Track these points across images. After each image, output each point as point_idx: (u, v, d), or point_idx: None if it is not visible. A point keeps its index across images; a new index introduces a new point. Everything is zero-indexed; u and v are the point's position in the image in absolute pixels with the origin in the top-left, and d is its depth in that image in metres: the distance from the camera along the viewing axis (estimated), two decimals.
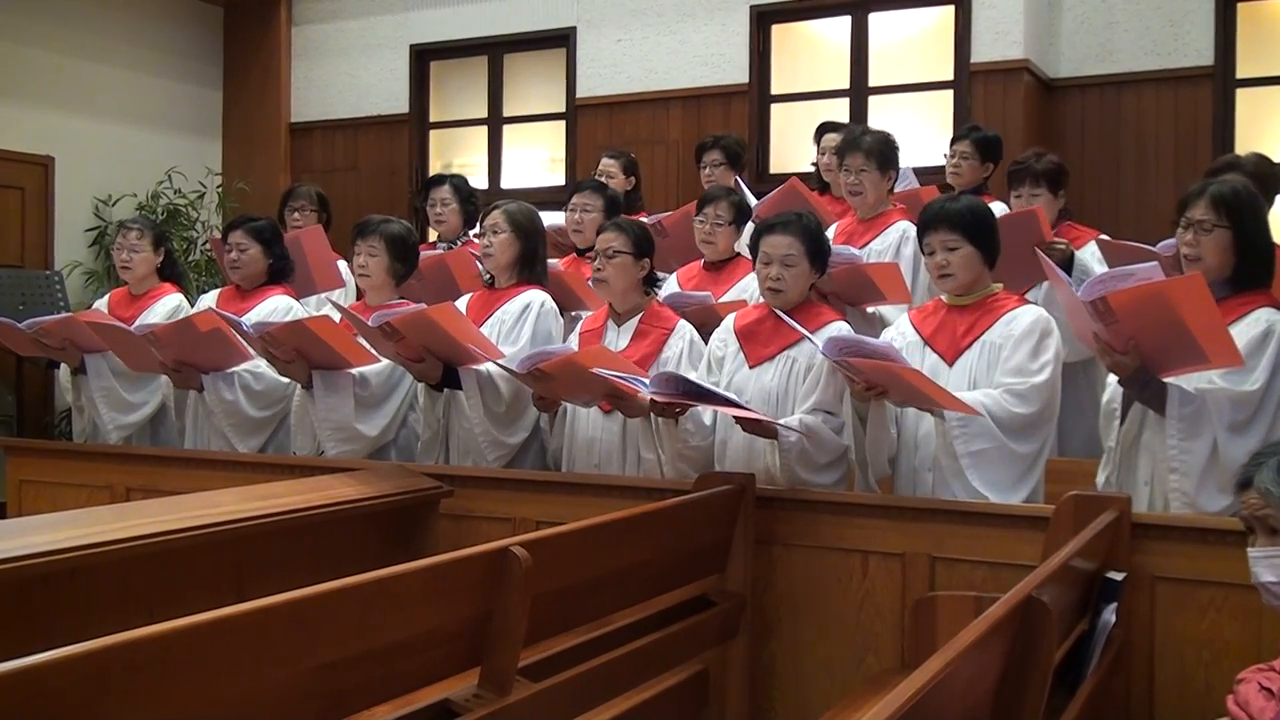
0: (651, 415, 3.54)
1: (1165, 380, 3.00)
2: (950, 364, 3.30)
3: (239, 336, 4.11)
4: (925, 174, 5.63)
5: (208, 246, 8.02)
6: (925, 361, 3.32)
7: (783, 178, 5.51)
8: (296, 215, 5.35)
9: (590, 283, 4.04)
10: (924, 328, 3.42)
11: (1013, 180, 4.61)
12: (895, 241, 4.50)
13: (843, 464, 3.43)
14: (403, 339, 3.70)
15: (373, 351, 3.94)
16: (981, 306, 3.34)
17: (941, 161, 5.18)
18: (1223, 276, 3.06)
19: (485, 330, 3.95)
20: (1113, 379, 3.19)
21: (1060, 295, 3.15)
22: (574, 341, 3.90)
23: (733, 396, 3.26)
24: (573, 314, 4.52)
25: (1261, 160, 4.10)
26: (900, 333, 3.48)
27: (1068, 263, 4.31)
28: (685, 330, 3.80)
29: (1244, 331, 2.97)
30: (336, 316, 4.03)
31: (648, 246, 3.84)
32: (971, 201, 3.42)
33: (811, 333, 3.41)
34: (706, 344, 3.75)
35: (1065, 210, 4.58)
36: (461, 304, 4.10)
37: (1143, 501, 3.07)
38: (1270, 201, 4.01)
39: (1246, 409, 2.95)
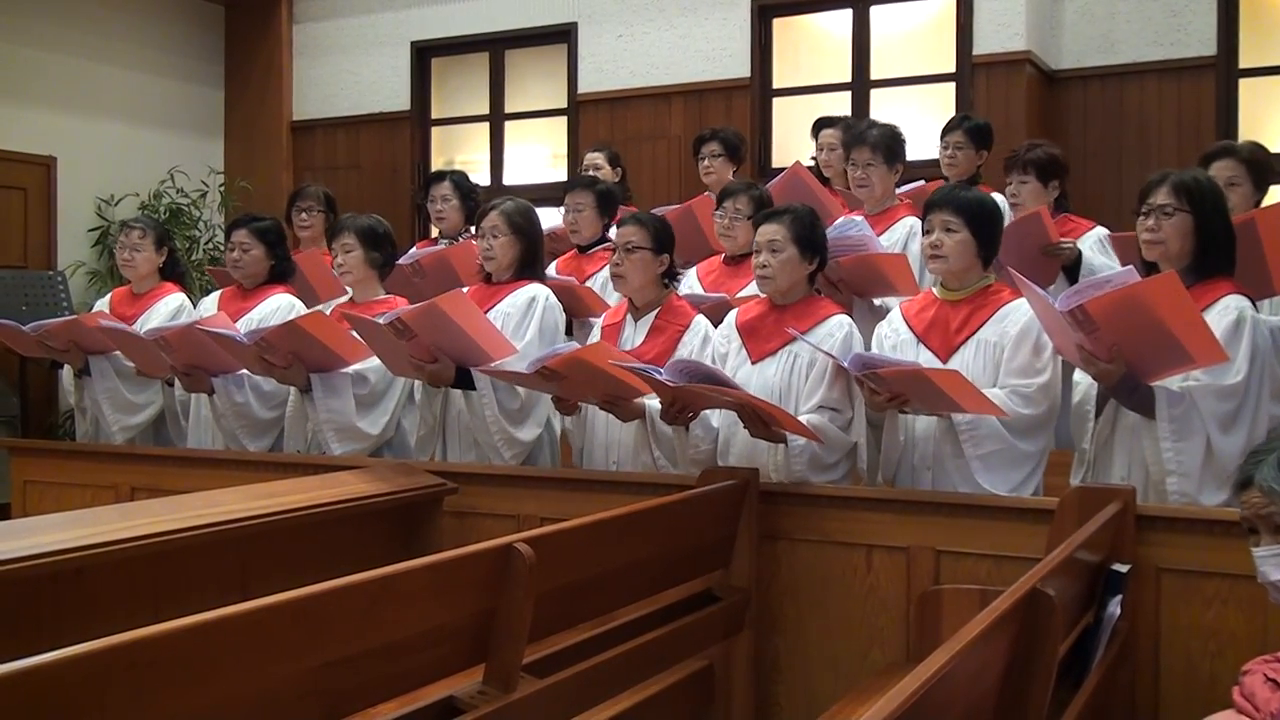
0: (647, 416, 3.55)
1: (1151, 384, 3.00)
2: (944, 361, 3.29)
3: (231, 351, 4.10)
4: (927, 167, 5.62)
5: (210, 247, 8.03)
6: (919, 359, 3.31)
7: None
8: (304, 215, 5.35)
9: (609, 276, 4.00)
10: (917, 324, 3.41)
11: (1006, 169, 4.62)
12: (903, 237, 4.50)
13: (849, 460, 3.43)
14: (414, 336, 3.69)
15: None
16: (974, 301, 3.33)
17: None
18: (1184, 263, 3.08)
19: (489, 319, 3.92)
20: (1082, 380, 3.19)
21: (1036, 308, 3.13)
22: (595, 338, 3.88)
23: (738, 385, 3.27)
24: (583, 321, 4.52)
25: (1256, 148, 4.10)
26: (894, 329, 3.47)
27: (1075, 263, 4.28)
28: (701, 325, 3.77)
29: (1215, 321, 2.97)
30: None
31: (668, 242, 3.80)
32: (982, 194, 3.42)
33: (813, 326, 3.41)
34: None
35: (1062, 202, 4.57)
36: None
37: None
38: (1264, 189, 4.01)
39: (1232, 400, 2.96)
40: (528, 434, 3.91)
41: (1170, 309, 2.81)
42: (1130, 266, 2.96)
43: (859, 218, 4.33)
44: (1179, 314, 2.82)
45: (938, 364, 3.28)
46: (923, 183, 5.20)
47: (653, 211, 4.89)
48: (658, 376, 3.22)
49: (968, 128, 5.01)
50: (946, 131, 5.06)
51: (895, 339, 3.43)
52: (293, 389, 4.17)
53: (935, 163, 5.16)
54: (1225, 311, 3.02)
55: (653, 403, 3.53)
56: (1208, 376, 2.98)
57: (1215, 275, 3.10)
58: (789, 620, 3.27)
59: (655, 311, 3.81)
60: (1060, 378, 3.27)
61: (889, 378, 3.09)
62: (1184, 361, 2.92)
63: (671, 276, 3.89)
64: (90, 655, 1.57)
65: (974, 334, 3.29)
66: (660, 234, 3.78)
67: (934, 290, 3.45)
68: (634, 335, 3.81)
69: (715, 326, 3.82)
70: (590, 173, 5.46)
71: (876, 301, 4.20)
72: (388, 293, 4.34)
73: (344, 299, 4.87)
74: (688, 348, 3.71)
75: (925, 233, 3.35)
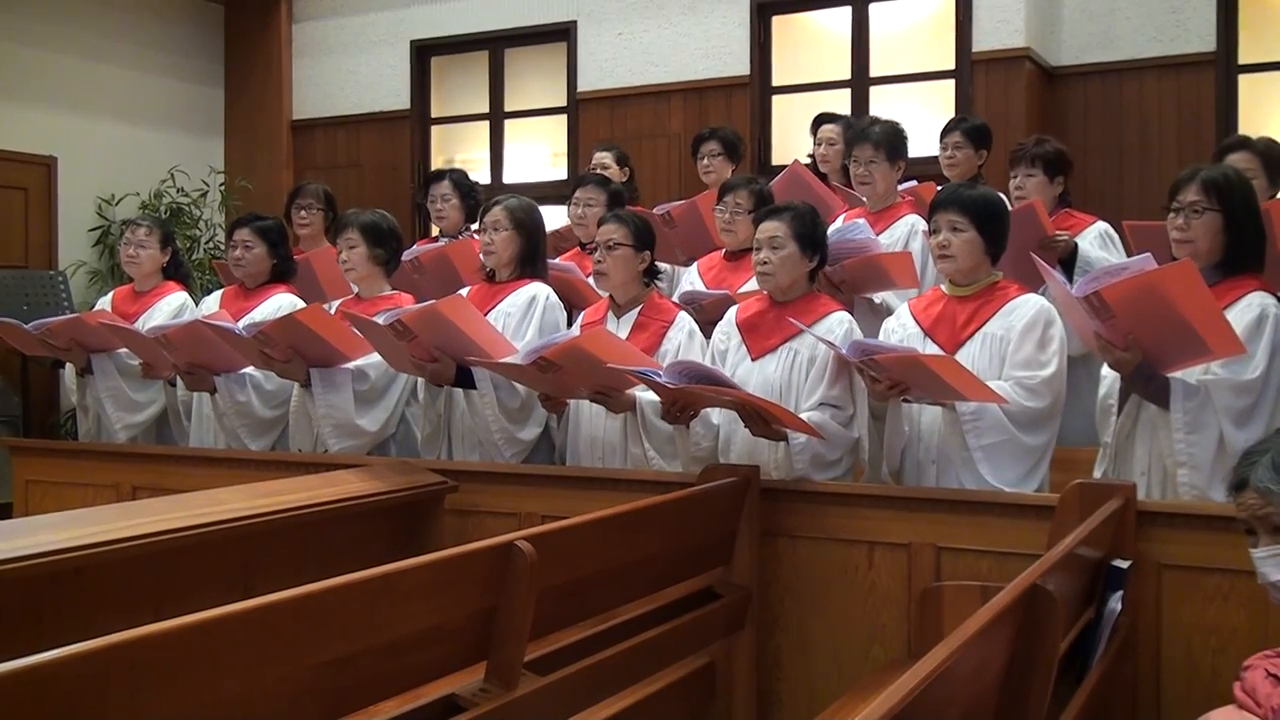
0: (638, 408, 3.55)
1: (1168, 375, 2.99)
2: (951, 355, 3.29)
3: (232, 344, 4.09)
4: (927, 164, 5.62)
5: (211, 246, 8.03)
6: (926, 353, 3.31)
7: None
8: (303, 214, 5.35)
9: (591, 275, 4.03)
10: (924, 319, 3.41)
11: (1011, 163, 4.63)
12: (904, 235, 4.50)
13: (851, 456, 3.43)
14: (415, 338, 3.69)
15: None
16: (981, 296, 3.33)
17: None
18: (1213, 261, 3.06)
19: (490, 321, 3.93)
20: (1108, 374, 3.19)
21: (1056, 294, 3.14)
22: (576, 332, 3.89)
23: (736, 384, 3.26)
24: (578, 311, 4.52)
25: (1273, 143, 4.09)
26: (901, 324, 3.48)
27: (1070, 255, 4.29)
28: (685, 322, 3.80)
29: (1238, 317, 2.96)
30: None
31: (648, 238, 3.84)
32: (987, 191, 3.42)
33: (813, 323, 3.41)
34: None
35: (1064, 197, 4.58)
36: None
37: (1140, 493, 3.06)
38: (1279, 183, 4.00)
39: (1249, 396, 2.94)
40: (528, 433, 3.92)
41: (1186, 298, 2.79)
42: (1148, 254, 2.94)
43: (860, 220, 4.33)
44: (1195, 303, 2.80)
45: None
46: (914, 182, 5.20)
47: (656, 208, 4.93)
48: (657, 378, 3.22)
49: (965, 128, 5.02)
50: (945, 133, 5.07)
51: (903, 333, 3.43)
52: (296, 386, 4.16)
53: (935, 160, 5.16)
54: (1248, 308, 3.00)
55: (644, 395, 3.54)
56: (1226, 371, 2.97)
57: (1243, 272, 3.07)
58: (790, 617, 3.27)
59: (637, 309, 3.84)
60: (1065, 372, 3.26)
61: (887, 364, 3.09)
62: (1201, 352, 2.91)
63: (653, 274, 3.91)
64: (91, 654, 1.58)
65: (980, 328, 3.29)
66: (641, 231, 3.81)
67: (942, 287, 3.46)
68: (616, 332, 3.81)
69: (718, 321, 3.83)
70: (598, 171, 5.46)
71: (877, 300, 4.21)
72: (393, 289, 4.34)
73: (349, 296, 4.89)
74: (673, 343, 3.72)
75: (932, 232, 3.36)
